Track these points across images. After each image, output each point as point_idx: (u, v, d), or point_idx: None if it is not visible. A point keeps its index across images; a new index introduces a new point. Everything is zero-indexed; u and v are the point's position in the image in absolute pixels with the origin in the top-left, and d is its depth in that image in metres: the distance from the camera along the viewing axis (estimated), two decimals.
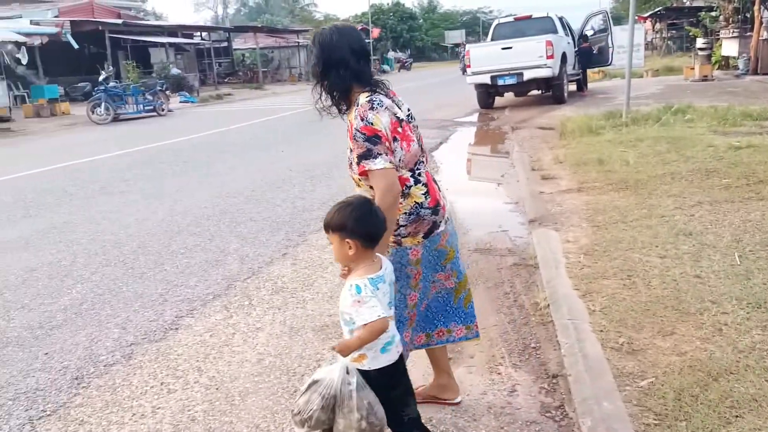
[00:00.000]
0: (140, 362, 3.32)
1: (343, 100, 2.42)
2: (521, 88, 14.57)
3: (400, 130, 2.34)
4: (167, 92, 20.61)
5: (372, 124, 2.26)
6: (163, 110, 18.40)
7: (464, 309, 2.69)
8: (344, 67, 2.35)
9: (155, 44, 27.40)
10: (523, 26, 14.88)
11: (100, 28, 23.50)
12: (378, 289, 2.09)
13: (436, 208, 2.45)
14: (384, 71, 48.46)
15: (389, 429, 2.19)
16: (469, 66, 14.56)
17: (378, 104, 2.31)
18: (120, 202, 7.16)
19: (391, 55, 56.27)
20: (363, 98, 2.33)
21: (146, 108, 18.14)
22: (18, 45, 18.13)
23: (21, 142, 14.05)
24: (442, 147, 10.38)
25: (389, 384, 2.20)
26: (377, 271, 2.13)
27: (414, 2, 75.41)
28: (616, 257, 4.04)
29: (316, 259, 4.86)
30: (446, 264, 2.57)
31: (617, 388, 2.58)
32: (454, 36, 66.82)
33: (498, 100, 15.66)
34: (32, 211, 6.85)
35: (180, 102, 22.55)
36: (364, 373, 2.15)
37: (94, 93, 17.94)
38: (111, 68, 19.14)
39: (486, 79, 14.18)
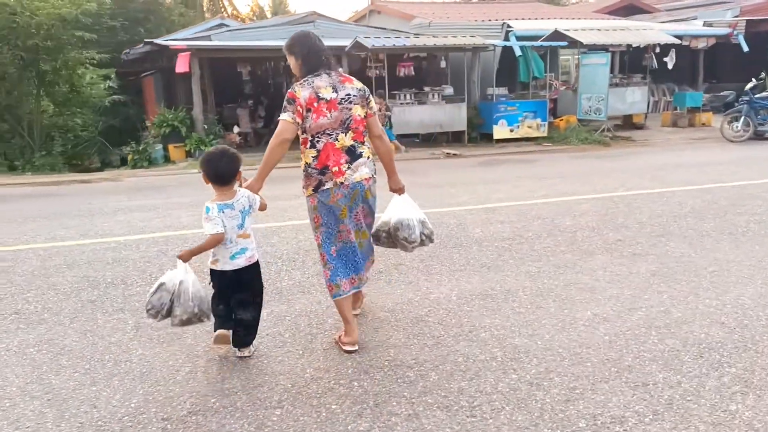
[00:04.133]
0: None
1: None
2: None
3: (315, 105, 3.32)
4: None
5: (294, 92, 3.34)
6: None
7: (362, 251, 3.59)
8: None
9: None
10: None
11: None
12: (223, 212, 3.17)
13: (322, 170, 3.36)
14: None
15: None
16: None
17: (308, 83, 3.37)
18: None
19: None
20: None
21: None
22: (668, 47, 16.67)
23: (625, 156, 12.70)
24: None
25: (237, 284, 3.24)
26: (226, 200, 3.20)
27: None
28: None
29: None
30: (343, 219, 3.43)
31: None
32: None
33: None
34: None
35: None
36: (218, 273, 3.25)
37: (736, 104, 14.95)
38: (765, 75, 15.47)
39: None
